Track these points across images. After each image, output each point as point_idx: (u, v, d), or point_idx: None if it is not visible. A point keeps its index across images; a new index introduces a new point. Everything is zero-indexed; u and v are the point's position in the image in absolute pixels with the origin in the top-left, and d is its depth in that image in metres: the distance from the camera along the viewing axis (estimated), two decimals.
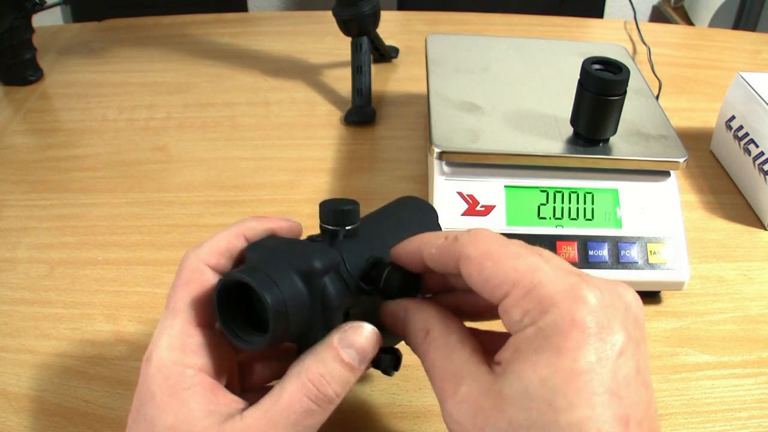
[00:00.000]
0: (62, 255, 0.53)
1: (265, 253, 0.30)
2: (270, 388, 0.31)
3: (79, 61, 0.83)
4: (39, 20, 0.77)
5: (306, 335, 0.29)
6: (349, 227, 0.31)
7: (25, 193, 0.60)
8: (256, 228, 0.32)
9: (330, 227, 0.31)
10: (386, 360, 0.31)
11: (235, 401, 0.29)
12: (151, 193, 0.60)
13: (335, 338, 0.28)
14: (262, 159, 0.65)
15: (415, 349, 0.29)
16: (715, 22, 1.77)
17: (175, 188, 0.61)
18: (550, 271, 0.25)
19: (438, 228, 0.36)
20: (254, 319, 0.29)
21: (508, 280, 0.25)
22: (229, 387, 0.31)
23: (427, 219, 0.36)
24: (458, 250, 0.27)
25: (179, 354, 0.28)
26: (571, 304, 0.24)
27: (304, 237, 0.32)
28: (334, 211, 0.30)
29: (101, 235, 0.55)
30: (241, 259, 0.32)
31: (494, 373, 0.25)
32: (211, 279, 0.30)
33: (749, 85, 0.60)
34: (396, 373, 0.32)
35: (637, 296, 0.26)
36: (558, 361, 0.23)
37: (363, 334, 0.29)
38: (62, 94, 0.76)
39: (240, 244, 0.31)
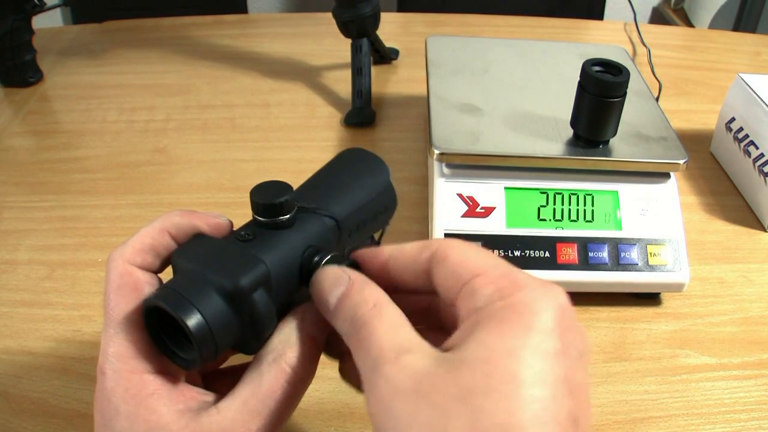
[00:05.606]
0: (62, 257, 0.53)
1: (190, 263, 0.28)
2: (229, 368, 0.32)
3: (79, 63, 0.83)
4: (39, 22, 0.77)
5: (241, 345, 0.28)
6: (284, 218, 0.29)
7: (25, 194, 0.60)
8: (180, 223, 0.30)
9: (262, 219, 0.29)
10: None
11: (201, 393, 0.28)
12: (151, 195, 0.60)
13: (298, 323, 0.28)
14: (262, 161, 0.65)
15: (343, 315, 0.27)
16: (715, 24, 1.77)
17: (175, 190, 0.61)
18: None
19: (389, 189, 0.34)
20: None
21: (486, 264, 0.26)
22: (190, 378, 0.31)
23: (377, 181, 0.33)
24: (431, 253, 0.27)
25: (133, 362, 0.27)
26: (545, 294, 0.24)
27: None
28: (266, 206, 0.29)
29: (101, 237, 0.55)
30: (169, 259, 0.30)
31: (445, 351, 0.24)
32: (142, 279, 0.28)
33: (749, 86, 0.60)
34: None
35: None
36: (527, 335, 0.23)
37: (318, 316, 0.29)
38: (62, 96, 0.76)
39: (164, 240, 0.29)
